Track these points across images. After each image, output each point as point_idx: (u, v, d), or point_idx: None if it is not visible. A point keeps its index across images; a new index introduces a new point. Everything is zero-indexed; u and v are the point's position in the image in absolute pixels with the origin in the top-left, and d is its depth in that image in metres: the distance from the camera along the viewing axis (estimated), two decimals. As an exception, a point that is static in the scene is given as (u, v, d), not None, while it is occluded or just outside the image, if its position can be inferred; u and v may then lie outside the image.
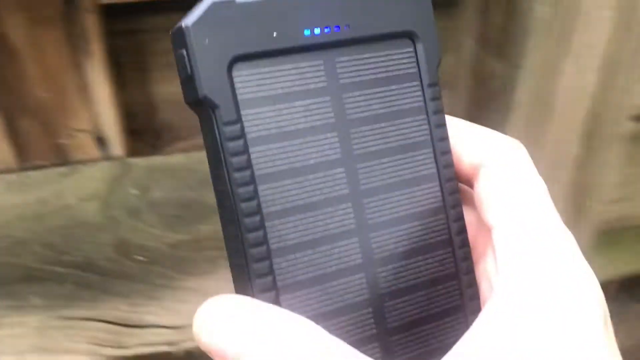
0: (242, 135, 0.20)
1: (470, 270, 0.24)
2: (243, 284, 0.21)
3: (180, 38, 0.20)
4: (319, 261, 0.21)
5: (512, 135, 0.23)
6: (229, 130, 0.20)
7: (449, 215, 0.23)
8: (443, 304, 0.23)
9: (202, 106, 0.21)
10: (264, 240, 0.21)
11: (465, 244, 0.24)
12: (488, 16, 0.54)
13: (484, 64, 0.56)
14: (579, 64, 0.52)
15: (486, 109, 0.57)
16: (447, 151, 0.24)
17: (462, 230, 0.24)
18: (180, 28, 0.20)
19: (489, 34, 0.55)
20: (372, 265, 0.22)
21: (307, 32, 0.21)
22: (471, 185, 0.24)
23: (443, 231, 0.23)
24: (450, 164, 0.24)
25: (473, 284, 0.24)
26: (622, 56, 0.53)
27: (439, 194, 0.23)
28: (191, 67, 0.20)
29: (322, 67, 0.22)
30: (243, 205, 0.20)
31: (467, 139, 0.23)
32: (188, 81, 0.20)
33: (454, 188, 0.24)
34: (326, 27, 0.22)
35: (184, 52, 0.20)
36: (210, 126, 0.21)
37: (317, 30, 0.21)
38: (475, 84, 0.58)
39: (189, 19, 0.20)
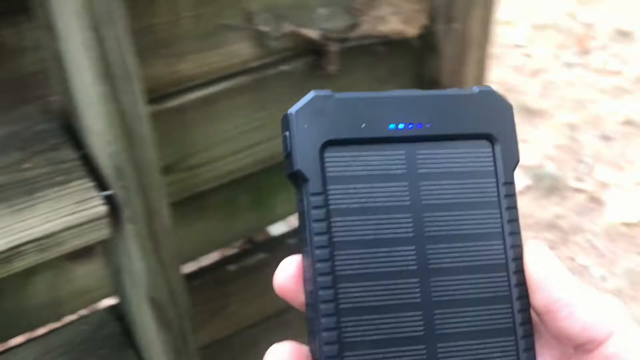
0: (325, 205, 0.24)
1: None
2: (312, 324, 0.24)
3: (285, 122, 0.25)
4: (382, 326, 0.24)
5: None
6: (315, 200, 0.24)
7: (514, 305, 0.25)
8: None
9: (296, 178, 0.24)
10: (334, 299, 0.23)
11: (529, 334, 0.25)
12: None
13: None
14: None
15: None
16: (518, 245, 0.25)
17: (527, 320, 0.25)
18: (287, 115, 0.24)
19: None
20: (432, 338, 0.24)
21: (392, 126, 0.25)
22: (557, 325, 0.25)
23: (507, 320, 0.25)
24: (519, 257, 0.25)
25: None
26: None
27: (506, 283, 0.25)
28: (291, 146, 0.24)
29: (403, 157, 0.25)
30: (319, 265, 0.23)
31: (592, 309, 0.25)
32: (288, 157, 0.24)
33: (522, 280, 0.25)
34: (410, 124, 0.25)
35: (287, 134, 0.24)
36: (300, 195, 0.24)
37: (401, 126, 0.25)
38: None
39: (294, 108, 0.24)
